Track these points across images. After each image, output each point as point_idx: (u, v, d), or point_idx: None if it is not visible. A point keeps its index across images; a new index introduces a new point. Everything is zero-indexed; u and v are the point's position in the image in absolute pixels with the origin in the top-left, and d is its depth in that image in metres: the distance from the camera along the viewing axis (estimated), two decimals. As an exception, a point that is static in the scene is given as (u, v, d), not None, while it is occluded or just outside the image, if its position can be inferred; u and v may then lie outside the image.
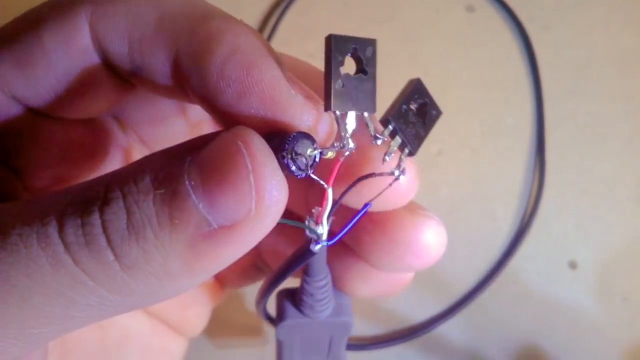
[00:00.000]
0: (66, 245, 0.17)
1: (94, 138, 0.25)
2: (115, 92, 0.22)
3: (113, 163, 0.27)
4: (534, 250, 0.43)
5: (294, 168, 0.19)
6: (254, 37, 0.20)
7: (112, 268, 0.17)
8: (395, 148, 0.20)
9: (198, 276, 0.18)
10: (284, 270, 0.24)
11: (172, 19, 0.20)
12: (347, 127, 0.19)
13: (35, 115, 0.22)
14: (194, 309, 0.32)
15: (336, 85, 0.19)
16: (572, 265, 0.43)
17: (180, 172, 0.17)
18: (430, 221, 0.24)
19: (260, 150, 0.17)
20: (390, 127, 0.20)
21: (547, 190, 0.45)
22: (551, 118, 0.46)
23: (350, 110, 0.19)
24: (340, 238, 0.22)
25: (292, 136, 0.18)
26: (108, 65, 0.21)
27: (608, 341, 0.41)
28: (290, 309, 0.28)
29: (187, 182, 0.17)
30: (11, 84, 0.20)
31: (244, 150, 0.17)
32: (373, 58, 0.19)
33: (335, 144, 0.20)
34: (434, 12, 0.49)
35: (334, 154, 0.20)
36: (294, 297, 0.28)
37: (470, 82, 0.47)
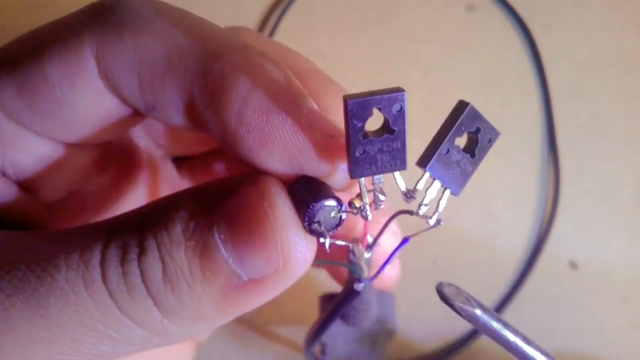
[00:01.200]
0: (111, 293, 0.17)
1: (107, 157, 0.25)
2: (129, 120, 0.22)
3: (127, 181, 0.26)
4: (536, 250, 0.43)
5: (321, 240, 0.18)
6: (271, 71, 0.18)
7: (152, 313, 0.18)
8: (431, 197, 0.18)
9: (230, 317, 0.19)
10: (331, 314, 0.24)
11: (183, 55, 0.18)
12: (376, 183, 0.18)
13: (43, 139, 0.21)
14: None
15: (357, 152, 0.16)
16: (573, 265, 0.43)
17: (209, 224, 0.18)
18: None
19: (285, 215, 0.18)
20: (426, 175, 0.18)
21: (549, 190, 0.45)
22: (552, 118, 0.46)
23: (375, 174, 0.17)
24: (378, 274, 0.22)
25: (311, 206, 0.18)
26: (119, 99, 0.20)
27: (608, 342, 0.41)
28: None
29: (216, 236, 0.17)
30: (15, 113, 0.20)
31: (269, 212, 0.17)
32: (401, 114, 0.16)
33: (362, 205, 0.18)
34: (435, 11, 0.49)
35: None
36: None
37: (471, 82, 0.47)
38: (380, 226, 0.23)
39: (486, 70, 0.48)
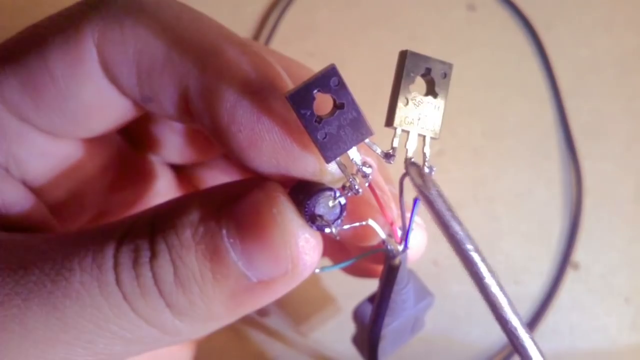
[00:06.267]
0: (124, 295, 0.18)
1: (108, 160, 0.25)
2: (128, 112, 0.22)
3: (126, 186, 0.27)
4: (536, 250, 0.43)
5: (326, 230, 0.19)
6: (266, 71, 0.19)
7: (164, 314, 0.18)
8: (414, 148, 0.19)
9: (238, 316, 0.20)
10: (380, 302, 0.24)
11: (181, 49, 0.19)
12: (354, 160, 0.18)
13: (46, 137, 0.21)
14: None
15: (318, 137, 0.17)
16: (574, 265, 0.43)
17: (218, 228, 0.18)
18: None
19: (293, 219, 0.18)
20: (398, 131, 0.19)
21: (549, 190, 0.44)
22: (553, 117, 0.46)
23: (347, 150, 0.18)
24: (407, 245, 0.22)
25: (307, 204, 0.18)
26: (118, 89, 0.20)
27: (610, 342, 0.41)
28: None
29: (226, 240, 0.18)
30: (18, 107, 0.20)
31: (278, 218, 0.18)
32: (341, 86, 0.17)
33: (350, 182, 0.19)
34: (435, 11, 0.49)
35: (359, 188, 0.19)
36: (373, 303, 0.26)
37: (472, 82, 0.47)
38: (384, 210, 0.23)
39: (488, 70, 0.48)
